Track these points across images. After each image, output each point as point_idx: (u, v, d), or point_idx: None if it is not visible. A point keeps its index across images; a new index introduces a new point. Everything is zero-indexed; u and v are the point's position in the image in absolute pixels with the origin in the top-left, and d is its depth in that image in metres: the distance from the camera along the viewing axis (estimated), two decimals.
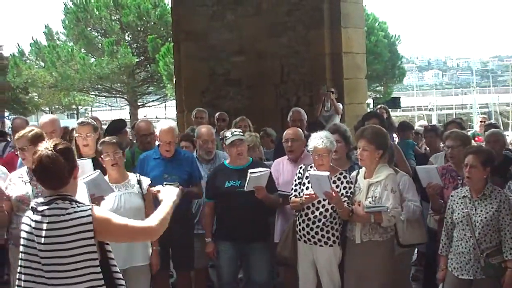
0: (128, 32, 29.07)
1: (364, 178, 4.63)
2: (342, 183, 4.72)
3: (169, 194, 3.03)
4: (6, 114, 27.89)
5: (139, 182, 4.73)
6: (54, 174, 2.78)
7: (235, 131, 5.14)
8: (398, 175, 4.78)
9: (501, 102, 47.60)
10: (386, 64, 30.05)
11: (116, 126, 6.89)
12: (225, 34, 9.35)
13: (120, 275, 2.92)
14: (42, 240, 2.73)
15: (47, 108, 31.47)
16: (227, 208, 5.10)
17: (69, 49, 27.85)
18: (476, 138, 8.35)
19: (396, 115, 29.72)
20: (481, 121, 10.32)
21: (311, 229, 4.74)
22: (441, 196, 4.91)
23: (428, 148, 7.05)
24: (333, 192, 4.45)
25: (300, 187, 4.86)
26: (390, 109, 10.55)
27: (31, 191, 4.47)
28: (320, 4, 8.94)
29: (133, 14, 27.60)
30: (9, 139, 7.98)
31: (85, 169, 4.44)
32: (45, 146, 2.82)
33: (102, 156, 4.67)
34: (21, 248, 2.86)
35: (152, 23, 27.93)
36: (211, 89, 9.51)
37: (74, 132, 5.29)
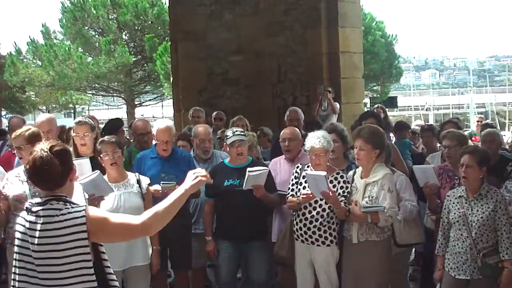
0: (126, 31, 29.04)
1: (361, 178, 4.64)
2: (339, 182, 4.72)
3: (183, 185, 2.94)
4: (3, 113, 27.80)
5: (138, 181, 4.73)
6: (47, 176, 2.78)
7: (236, 131, 5.12)
8: (395, 174, 4.78)
9: (498, 102, 47.74)
10: (383, 64, 30.06)
11: (113, 125, 6.88)
12: (223, 33, 9.35)
13: (114, 277, 2.91)
14: (36, 240, 2.73)
15: (44, 107, 31.39)
16: (226, 206, 5.11)
17: (66, 48, 27.79)
18: (473, 138, 8.36)
19: (393, 115, 29.75)
20: (477, 121, 10.33)
21: (309, 228, 4.75)
22: (438, 196, 4.91)
23: (425, 148, 7.07)
24: (330, 192, 4.46)
25: (297, 187, 4.86)
26: (387, 109, 10.57)
27: (28, 190, 4.46)
28: (317, 4, 8.94)
29: (130, 13, 27.56)
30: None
31: (83, 168, 4.44)
32: (41, 148, 2.81)
33: (101, 155, 4.66)
34: (16, 249, 2.86)
35: (150, 22, 27.90)
36: (209, 89, 9.51)
37: (72, 131, 5.28)
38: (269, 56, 9.12)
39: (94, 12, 28.15)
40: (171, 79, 10.99)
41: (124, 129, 7.94)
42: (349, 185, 4.70)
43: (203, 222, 5.36)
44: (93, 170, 4.53)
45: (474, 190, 4.36)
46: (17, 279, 2.82)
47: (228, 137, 5.08)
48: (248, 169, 4.83)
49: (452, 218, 4.41)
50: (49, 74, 27.59)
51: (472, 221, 4.30)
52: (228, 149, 5.16)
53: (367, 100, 24.31)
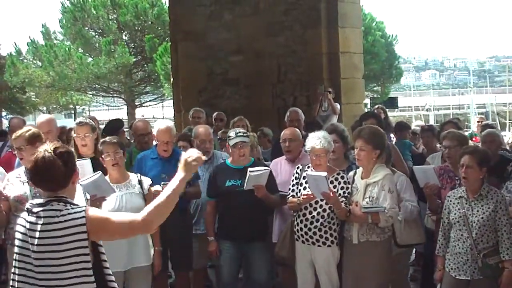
0: (126, 32, 29.06)
1: (361, 178, 4.64)
2: (339, 183, 4.72)
3: (178, 174, 2.86)
4: (4, 113, 27.81)
5: (140, 182, 4.73)
6: (49, 177, 2.78)
7: (239, 132, 5.11)
8: (395, 175, 4.78)
9: (498, 102, 47.72)
10: (383, 64, 30.07)
11: (114, 126, 6.88)
12: (223, 33, 9.35)
13: (113, 278, 2.91)
14: (36, 241, 2.74)
15: (45, 108, 31.41)
16: (227, 207, 5.11)
17: (67, 49, 27.80)
18: (473, 138, 8.35)
19: (394, 115, 29.75)
20: (478, 121, 10.33)
21: (309, 229, 4.74)
22: (439, 196, 4.91)
23: (425, 148, 7.06)
24: (331, 193, 4.46)
25: (297, 187, 4.86)
26: (387, 109, 10.56)
27: (29, 191, 4.46)
28: (317, 4, 8.95)
29: (130, 13, 27.58)
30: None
31: (84, 169, 4.44)
32: (45, 148, 2.82)
33: (102, 156, 4.66)
34: (15, 249, 2.87)
35: (150, 23, 27.92)
36: (209, 89, 9.51)
37: (73, 132, 5.28)
38: (269, 56, 9.12)
39: (94, 12, 28.17)
40: (171, 79, 11.00)
41: (125, 129, 7.94)
42: (349, 186, 4.70)
43: (205, 222, 5.36)
44: (94, 170, 4.53)
45: (474, 191, 4.36)
46: (16, 279, 2.83)
47: (230, 138, 5.08)
48: (249, 169, 4.83)
49: (453, 219, 4.41)
50: (49, 75, 27.60)
51: (472, 221, 4.30)
52: (230, 149, 5.16)
53: (367, 101, 24.33)
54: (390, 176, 4.58)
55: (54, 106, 32.20)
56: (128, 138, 7.83)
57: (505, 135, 11.06)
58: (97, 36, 29.43)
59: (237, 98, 9.34)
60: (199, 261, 5.61)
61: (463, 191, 4.44)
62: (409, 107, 46.43)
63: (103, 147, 4.68)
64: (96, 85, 29.66)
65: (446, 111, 47.01)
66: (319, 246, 4.73)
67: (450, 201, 4.48)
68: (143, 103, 32.89)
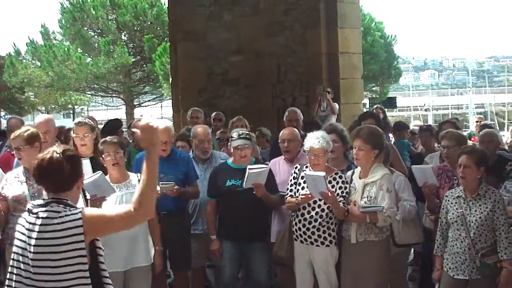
0: (125, 32, 29.03)
1: (360, 178, 4.64)
2: (337, 183, 4.72)
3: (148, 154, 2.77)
4: (2, 113, 27.78)
5: (140, 182, 4.71)
6: (54, 176, 2.80)
7: (242, 133, 5.11)
8: (394, 175, 4.79)
9: (497, 103, 47.73)
10: (382, 64, 30.10)
11: (112, 126, 6.88)
12: (222, 33, 9.36)
13: (109, 281, 2.91)
14: (33, 241, 2.75)
15: (43, 108, 31.39)
16: (227, 207, 5.12)
17: (66, 49, 27.78)
18: (472, 138, 8.37)
19: (392, 115, 29.80)
20: (476, 121, 10.34)
21: (308, 229, 4.75)
22: (437, 196, 4.92)
23: (423, 148, 7.07)
24: (329, 192, 4.46)
25: (295, 187, 4.86)
26: (386, 109, 10.57)
27: (27, 191, 4.47)
28: (316, 4, 8.96)
29: (129, 13, 27.56)
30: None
31: (84, 169, 4.44)
32: (54, 149, 2.86)
33: (103, 156, 4.67)
34: (14, 248, 2.88)
35: (149, 23, 27.90)
36: (209, 89, 9.51)
37: (72, 132, 5.28)
38: (268, 56, 9.13)
39: (93, 12, 28.14)
40: (171, 79, 11.00)
41: (123, 129, 7.94)
42: (347, 185, 4.70)
43: (207, 221, 5.36)
44: (93, 170, 4.53)
45: (472, 190, 4.36)
46: (13, 279, 2.84)
47: (233, 138, 5.08)
48: (249, 166, 4.83)
49: (451, 218, 4.42)
50: (48, 75, 27.58)
51: (470, 221, 4.30)
52: (232, 150, 5.16)
53: (366, 101, 24.35)
54: (388, 175, 4.59)
55: (53, 106, 32.17)
56: (127, 138, 7.83)
57: (503, 135, 11.09)
58: (96, 36, 29.40)
59: (237, 98, 9.34)
60: (198, 261, 5.61)
61: (461, 190, 4.44)
62: (408, 107, 46.44)
63: (104, 146, 4.68)
64: (95, 85, 29.64)
65: (445, 111, 47.01)
66: (317, 246, 4.73)
67: (448, 200, 4.49)
68: (142, 103, 32.86)
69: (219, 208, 5.21)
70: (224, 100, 9.34)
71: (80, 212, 2.77)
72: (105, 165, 4.67)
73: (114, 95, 32.08)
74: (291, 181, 4.94)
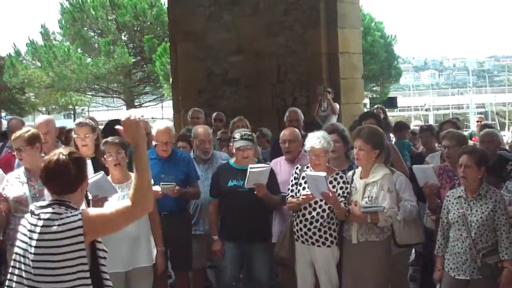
0: (125, 32, 29.05)
1: (361, 178, 4.64)
2: (338, 183, 4.72)
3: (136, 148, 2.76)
4: (3, 114, 27.78)
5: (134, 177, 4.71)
6: (60, 178, 2.82)
7: (244, 134, 5.11)
8: (395, 175, 4.79)
9: (497, 102, 47.71)
10: (383, 64, 30.10)
11: (113, 126, 6.85)
12: (222, 34, 9.36)
13: (110, 283, 2.92)
14: (34, 243, 2.75)
15: (44, 109, 31.38)
16: (229, 207, 5.13)
17: (66, 49, 27.80)
18: (473, 138, 8.37)
19: (393, 115, 29.76)
20: (477, 121, 10.35)
21: (309, 229, 4.75)
22: (438, 196, 4.92)
23: (424, 148, 7.07)
24: (330, 193, 4.46)
25: (296, 188, 4.86)
26: (386, 109, 10.58)
27: (29, 191, 4.47)
28: (316, 4, 8.96)
29: (129, 14, 27.57)
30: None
31: None
32: (60, 151, 2.87)
33: (104, 156, 4.67)
34: (15, 249, 2.88)
35: (149, 23, 27.91)
36: (209, 89, 9.52)
37: (73, 133, 5.29)
38: (268, 56, 9.13)
39: (93, 13, 28.15)
40: (171, 80, 11.00)
41: None
42: (348, 186, 4.70)
43: (209, 222, 5.36)
44: (94, 171, 4.53)
45: (473, 190, 4.36)
46: (14, 279, 2.84)
47: (235, 139, 5.08)
48: (250, 165, 4.83)
49: (452, 219, 4.42)
50: (49, 75, 27.59)
51: (471, 221, 4.30)
52: (234, 150, 5.16)
53: (366, 101, 24.33)
54: (389, 175, 4.59)
55: (54, 107, 32.19)
56: None
57: (504, 135, 11.08)
58: (96, 37, 29.42)
59: (237, 99, 9.35)
60: (199, 261, 5.61)
61: (462, 190, 4.44)
62: (408, 107, 46.43)
63: (105, 147, 4.68)
64: (95, 86, 29.66)
65: (446, 111, 46.99)
66: (318, 246, 4.73)
67: (449, 200, 4.48)
68: (143, 103, 32.87)
69: (221, 208, 5.21)
70: (224, 100, 9.34)
71: (80, 213, 2.78)
72: (106, 166, 4.67)
73: (114, 95, 32.10)
74: (292, 181, 4.94)
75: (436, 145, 6.59)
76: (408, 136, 7.85)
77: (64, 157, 2.84)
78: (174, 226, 5.09)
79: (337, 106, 8.62)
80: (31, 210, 2.86)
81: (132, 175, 4.71)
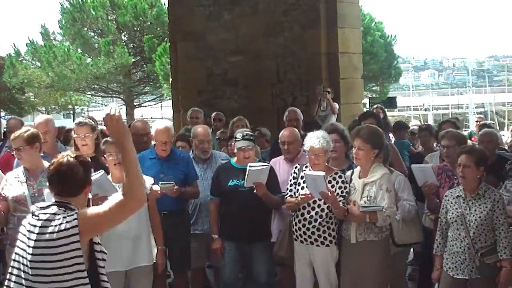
0: (125, 32, 29.03)
1: (359, 178, 4.64)
2: (337, 182, 4.72)
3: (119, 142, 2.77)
4: (2, 114, 27.77)
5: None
6: (68, 180, 2.84)
7: (246, 134, 5.11)
8: (393, 174, 4.79)
9: (497, 102, 47.74)
10: (382, 64, 30.07)
11: None
12: (222, 34, 9.37)
13: (108, 285, 2.93)
14: (32, 243, 2.77)
15: (44, 108, 31.38)
16: (229, 207, 5.13)
17: (66, 49, 27.76)
18: (472, 138, 8.38)
19: (393, 115, 29.79)
20: (477, 121, 10.36)
21: (308, 229, 4.75)
22: (437, 195, 4.92)
23: (423, 148, 7.07)
24: (329, 192, 4.46)
25: (295, 187, 4.87)
26: (386, 109, 10.59)
27: (28, 191, 4.47)
28: (316, 4, 8.96)
29: (129, 14, 27.55)
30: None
31: None
32: (68, 154, 2.90)
33: (105, 156, 4.68)
34: (15, 249, 2.90)
35: (149, 23, 27.89)
36: (208, 89, 9.53)
37: (72, 132, 5.30)
38: (268, 56, 9.14)
39: (93, 13, 28.14)
40: (170, 80, 11.01)
41: None
42: (347, 185, 4.70)
43: (210, 220, 5.36)
44: (94, 170, 4.53)
45: (472, 190, 4.37)
46: (12, 279, 2.86)
47: (237, 139, 5.08)
48: (249, 164, 4.83)
49: (450, 218, 4.42)
50: (48, 75, 27.57)
51: (470, 220, 4.31)
52: (235, 150, 5.16)
53: (366, 101, 24.34)
54: (388, 175, 4.59)
55: (53, 107, 32.18)
56: None
57: (503, 135, 11.10)
58: (96, 37, 29.39)
59: (237, 99, 9.36)
60: (198, 261, 5.62)
61: (460, 190, 4.45)
62: (408, 106, 46.46)
63: (106, 146, 4.69)
64: (95, 86, 29.64)
65: (445, 110, 47.02)
66: (317, 245, 4.73)
67: (448, 200, 4.49)
68: (142, 103, 32.86)
69: (221, 207, 5.22)
70: (223, 100, 9.35)
71: (76, 213, 2.79)
72: (106, 165, 4.67)
73: (114, 95, 32.06)
74: (290, 181, 4.94)
75: (435, 144, 6.60)
76: (407, 136, 7.85)
77: (73, 160, 2.87)
78: (173, 225, 5.09)
79: (337, 106, 8.63)
80: (32, 211, 2.87)
81: None
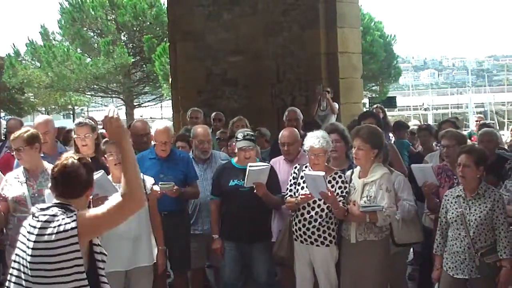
0: (124, 32, 29.02)
1: (359, 178, 4.64)
2: (337, 182, 4.73)
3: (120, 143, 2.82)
4: (2, 114, 27.77)
5: (142, 181, 4.72)
6: (72, 182, 2.85)
7: (247, 134, 5.11)
8: (393, 174, 4.80)
9: (496, 102, 47.73)
10: (382, 64, 30.05)
11: None
12: (221, 34, 9.37)
13: (108, 286, 2.93)
14: (31, 244, 2.77)
15: (43, 109, 31.36)
16: (229, 207, 5.13)
17: (65, 49, 27.76)
18: (472, 138, 8.38)
19: (392, 115, 29.78)
20: (476, 121, 10.37)
21: (307, 229, 4.75)
22: (437, 195, 4.92)
23: (422, 148, 7.08)
24: (329, 192, 4.46)
25: (295, 187, 4.87)
26: (386, 109, 10.59)
27: (27, 191, 4.47)
28: (315, 4, 8.96)
29: (129, 14, 27.55)
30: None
31: None
32: (72, 156, 2.91)
33: (105, 156, 4.68)
34: (16, 250, 2.90)
35: (148, 23, 27.89)
36: (208, 89, 9.53)
37: (73, 133, 5.30)
38: (267, 56, 9.14)
39: (93, 13, 28.13)
40: (170, 80, 11.01)
41: None
42: (347, 185, 4.70)
43: (210, 220, 5.36)
44: (94, 170, 4.53)
45: (471, 190, 4.37)
46: (12, 280, 2.86)
47: (238, 139, 5.09)
48: (249, 164, 4.83)
49: (450, 218, 4.42)
50: (48, 75, 27.56)
51: (470, 220, 4.31)
52: (235, 149, 5.16)
53: (366, 100, 24.34)
54: (387, 175, 4.59)
55: (53, 107, 32.17)
56: None
57: (503, 134, 11.10)
58: (95, 37, 29.38)
59: (236, 98, 9.36)
60: (197, 261, 5.62)
61: (460, 190, 4.45)
62: (407, 106, 46.45)
63: (106, 146, 4.69)
64: (95, 86, 29.63)
65: (445, 110, 47.00)
66: (317, 245, 4.73)
67: (448, 200, 4.49)
68: (142, 103, 32.85)
69: (222, 207, 5.22)
70: (223, 100, 9.35)
71: (75, 214, 2.79)
72: (107, 165, 4.68)
73: (114, 95, 32.05)
74: (290, 181, 4.94)
75: (435, 144, 6.60)
76: (407, 136, 7.85)
77: (75, 161, 2.87)
78: (173, 226, 5.10)
79: (336, 105, 8.63)
80: (32, 212, 2.87)
81: None
